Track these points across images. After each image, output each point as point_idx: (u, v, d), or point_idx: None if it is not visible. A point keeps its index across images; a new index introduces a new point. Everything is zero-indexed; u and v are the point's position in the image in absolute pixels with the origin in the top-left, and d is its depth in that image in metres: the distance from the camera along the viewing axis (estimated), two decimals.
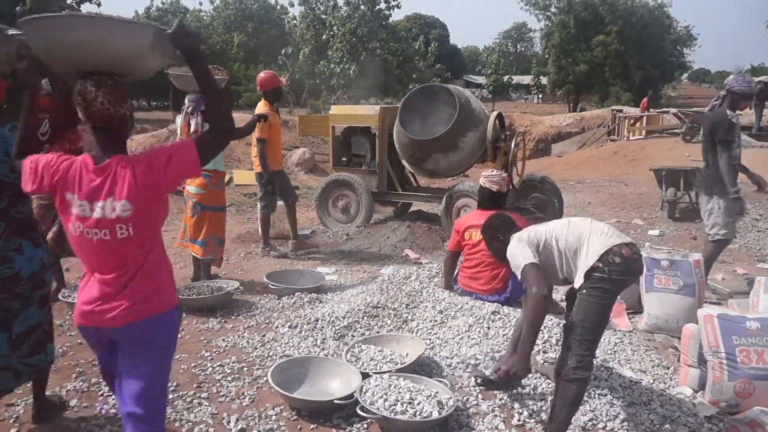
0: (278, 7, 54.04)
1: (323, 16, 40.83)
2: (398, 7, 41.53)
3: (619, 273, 2.79)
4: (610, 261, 2.78)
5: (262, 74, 6.25)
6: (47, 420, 3.15)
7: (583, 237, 2.91)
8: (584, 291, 2.83)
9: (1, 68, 2.66)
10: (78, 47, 2.05)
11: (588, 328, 2.82)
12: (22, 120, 2.32)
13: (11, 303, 2.78)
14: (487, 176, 4.66)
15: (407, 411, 3.00)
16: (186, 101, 5.09)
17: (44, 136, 2.40)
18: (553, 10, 45.08)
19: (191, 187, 5.15)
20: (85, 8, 29.18)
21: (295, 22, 44.12)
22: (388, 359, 3.61)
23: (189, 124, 5.04)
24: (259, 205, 6.47)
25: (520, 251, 2.92)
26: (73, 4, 27.49)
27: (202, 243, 5.18)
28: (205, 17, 56.49)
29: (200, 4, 71.94)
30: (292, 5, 45.08)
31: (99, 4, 28.58)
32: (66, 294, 4.75)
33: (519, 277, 2.92)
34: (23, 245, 2.79)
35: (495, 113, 7.27)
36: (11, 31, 2.46)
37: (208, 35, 51.43)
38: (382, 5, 40.24)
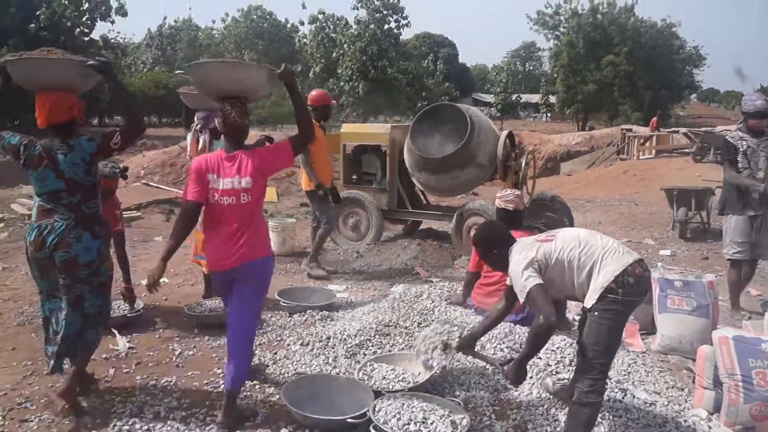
0: (289, 25, 54.64)
1: (333, 35, 41.25)
2: (408, 26, 41.98)
3: (631, 294, 2.78)
4: (625, 282, 2.76)
5: (313, 92, 6.27)
6: (83, 388, 3.62)
7: (596, 255, 2.86)
8: (596, 313, 2.81)
9: (80, 91, 3.42)
10: (225, 82, 3.31)
11: (600, 351, 2.82)
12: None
13: (79, 286, 3.32)
14: (500, 197, 4.68)
15: (421, 430, 2.99)
16: (195, 119, 5.13)
17: (116, 145, 3.28)
18: (562, 29, 45.38)
19: None
20: (100, 27, 29.65)
21: (305, 40, 44.63)
22: (400, 378, 3.61)
23: (198, 141, 5.08)
24: (321, 222, 6.32)
25: (525, 271, 2.87)
26: (88, 22, 27.96)
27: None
28: (216, 35, 57.20)
29: (212, 22, 72.87)
30: (302, 23, 45.50)
31: (113, 22, 29.09)
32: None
33: (522, 297, 2.87)
34: (83, 236, 3.28)
35: (505, 132, 7.31)
36: (89, 62, 3.24)
37: (219, 53, 52.04)
38: (392, 24, 40.66)
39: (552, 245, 2.95)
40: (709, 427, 3.29)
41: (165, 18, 59.07)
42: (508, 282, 3.12)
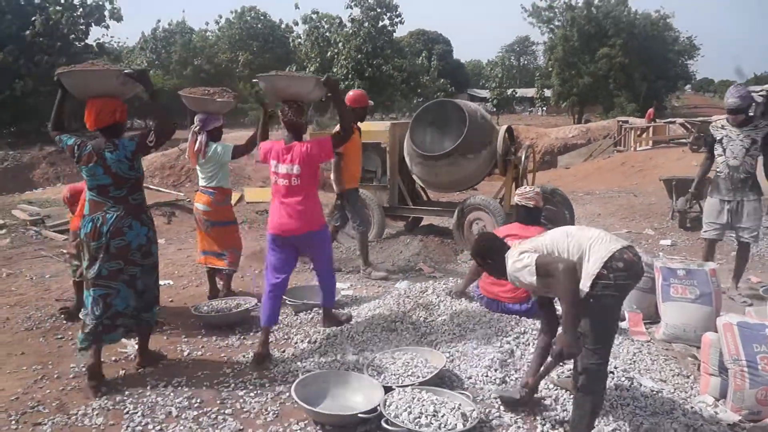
0: (283, 25, 54.52)
1: (327, 34, 41.19)
2: (402, 23, 41.91)
3: (623, 278, 2.83)
4: (614, 267, 2.81)
5: (351, 92, 6.21)
6: (150, 365, 4.10)
7: (584, 245, 2.92)
8: (591, 300, 2.85)
9: (123, 97, 3.88)
10: (286, 90, 4.27)
11: (598, 337, 2.86)
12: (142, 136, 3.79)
13: (131, 268, 3.81)
14: (521, 194, 4.72)
15: (432, 423, 3.02)
16: (195, 121, 5.21)
17: (151, 143, 3.78)
18: (556, 23, 45.39)
19: (198, 204, 5.26)
20: (94, 32, 29.56)
21: (299, 40, 44.56)
22: (409, 373, 3.64)
23: (195, 142, 5.16)
24: (354, 224, 6.27)
25: (524, 258, 2.96)
26: (83, 28, 27.88)
27: (221, 255, 5.27)
28: (210, 37, 57.02)
29: (206, 24, 72.75)
30: (296, 23, 45.45)
31: (108, 27, 29.01)
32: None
33: (533, 276, 2.91)
34: (133, 224, 3.77)
35: (504, 127, 7.33)
36: (127, 70, 3.71)
37: (213, 54, 51.91)
38: (386, 22, 40.62)
39: (541, 239, 3.06)
40: (716, 413, 3.32)
41: (159, 21, 58.72)
42: (512, 283, 3.20)
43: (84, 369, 3.84)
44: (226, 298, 5.16)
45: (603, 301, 2.83)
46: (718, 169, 5.28)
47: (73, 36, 28.25)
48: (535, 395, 3.44)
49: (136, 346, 4.28)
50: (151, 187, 11.50)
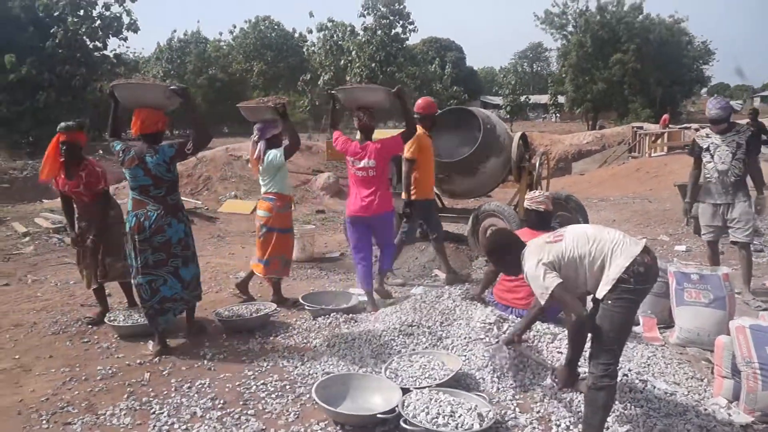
0: (296, 34, 54.96)
1: (341, 42, 41.48)
2: (415, 31, 42.12)
3: (642, 282, 2.91)
4: (636, 272, 2.88)
5: (420, 100, 6.33)
6: (197, 334, 4.77)
7: (606, 250, 2.97)
8: (609, 302, 2.93)
9: (166, 109, 4.42)
10: (362, 99, 5.21)
11: (613, 338, 2.94)
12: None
13: (174, 261, 4.39)
14: (531, 198, 4.80)
15: (449, 423, 3.11)
16: (254, 130, 5.48)
17: (188, 151, 4.30)
18: (569, 29, 45.37)
19: (259, 210, 5.47)
20: (112, 43, 30.02)
21: (313, 48, 44.90)
22: (426, 375, 3.72)
23: (255, 151, 5.45)
24: (430, 234, 6.32)
25: (543, 274, 2.97)
26: (101, 39, 28.32)
27: (265, 262, 5.42)
28: (224, 47, 57.61)
29: (220, 34, 73.47)
30: (310, 32, 45.77)
31: (126, 39, 29.46)
32: (111, 318, 4.95)
33: (543, 299, 2.99)
34: (172, 221, 4.33)
35: (519, 134, 7.41)
36: (172, 86, 4.28)
37: (228, 64, 52.44)
38: (399, 30, 40.84)
39: (562, 245, 3.06)
40: (729, 415, 3.37)
41: (174, 31, 59.50)
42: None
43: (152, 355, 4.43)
44: (247, 304, 5.28)
45: (621, 303, 2.91)
46: (707, 175, 5.52)
47: (91, 47, 28.75)
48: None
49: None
50: None
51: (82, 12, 27.67)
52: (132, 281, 4.53)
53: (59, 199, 5.24)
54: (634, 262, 2.89)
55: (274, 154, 5.34)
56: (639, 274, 2.88)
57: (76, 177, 4.79)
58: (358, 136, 5.33)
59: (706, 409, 3.44)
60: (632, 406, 3.42)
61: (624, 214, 10.93)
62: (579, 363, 3.33)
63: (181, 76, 51.02)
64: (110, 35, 29.19)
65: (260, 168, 5.42)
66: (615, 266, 2.92)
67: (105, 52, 29.83)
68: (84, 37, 27.88)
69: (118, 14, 29.05)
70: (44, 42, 25.81)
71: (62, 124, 4.79)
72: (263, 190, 5.47)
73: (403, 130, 5.23)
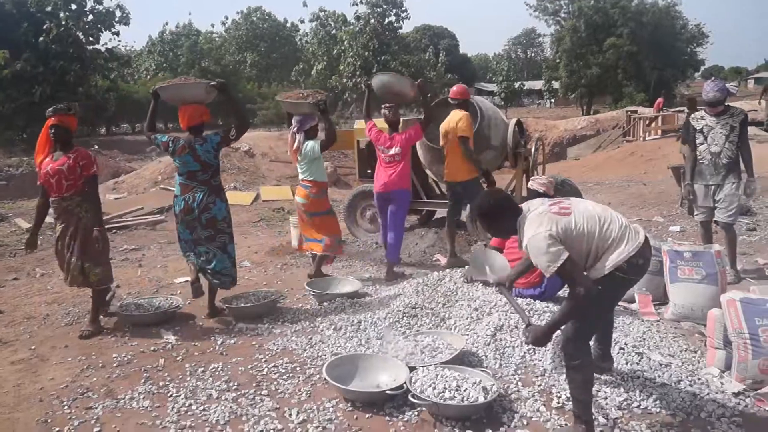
0: (289, 24, 54.85)
1: (334, 32, 41.45)
2: (408, 19, 42.12)
3: (635, 273, 2.97)
4: (634, 263, 2.92)
5: (455, 87, 6.59)
6: (216, 316, 5.15)
7: (615, 234, 2.92)
8: (599, 286, 2.90)
9: (207, 102, 4.94)
10: (393, 88, 6.16)
11: (590, 319, 3.01)
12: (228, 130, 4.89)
13: (221, 237, 4.90)
14: (535, 179, 4.94)
15: (455, 397, 3.26)
16: (293, 122, 5.81)
17: (232, 137, 4.84)
18: (563, 14, 45.34)
19: (298, 197, 5.93)
20: (104, 37, 30.03)
21: (306, 39, 44.89)
22: (431, 354, 3.87)
23: (294, 142, 5.81)
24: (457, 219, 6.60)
25: (550, 245, 2.83)
26: (93, 33, 28.25)
27: (320, 241, 5.82)
28: (217, 39, 57.40)
29: (212, 26, 73.09)
30: (302, 22, 45.78)
31: (118, 33, 29.42)
32: (124, 308, 5.09)
33: (548, 271, 2.85)
34: (216, 200, 4.86)
35: (514, 120, 7.54)
36: (212, 83, 4.87)
37: (221, 56, 52.29)
38: (392, 18, 40.83)
39: (571, 219, 2.93)
40: (722, 383, 3.54)
41: (166, 24, 59.41)
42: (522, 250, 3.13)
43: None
44: (254, 291, 5.43)
45: (609, 288, 2.94)
46: (700, 157, 5.61)
47: (84, 41, 28.69)
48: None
49: (173, 337, 4.59)
50: (170, 188, 11.79)
51: (74, 6, 27.58)
52: (181, 254, 5.15)
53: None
54: (637, 254, 2.90)
55: (311, 146, 5.69)
56: (637, 265, 2.92)
57: (63, 157, 4.65)
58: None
59: (699, 379, 3.60)
60: (629, 377, 3.59)
61: (619, 197, 11.09)
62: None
63: (174, 69, 50.87)
64: (102, 29, 29.16)
65: (298, 157, 5.77)
66: (618, 252, 2.89)
67: (97, 46, 29.79)
68: (77, 32, 27.84)
69: (110, 8, 29.04)
70: (37, 38, 25.75)
71: (51, 108, 4.77)
72: (300, 177, 5.87)
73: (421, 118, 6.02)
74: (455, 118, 6.14)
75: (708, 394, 3.41)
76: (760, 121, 18.72)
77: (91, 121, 32.23)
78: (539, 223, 2.91)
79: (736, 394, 3.42)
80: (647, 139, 19.12)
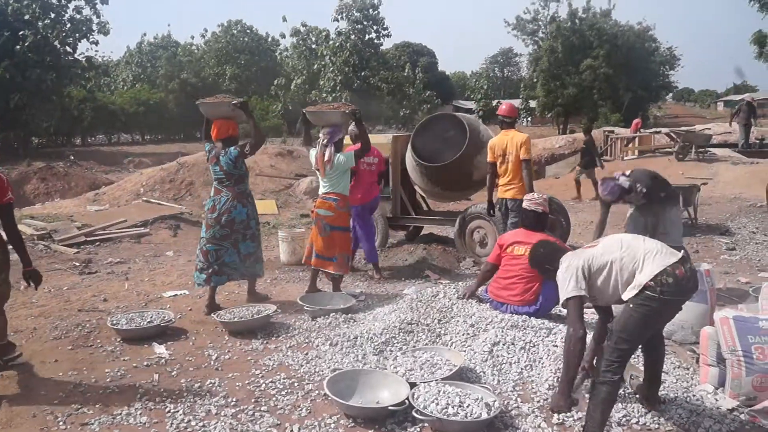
0: (269, 39, 54.87)
1: (314, 47, 41.60)
2: (388, 36, 42.46)
3: (670, 294, 2.99)
4: (663, 282, 2.97)
5: (504, 106, 6.62)
6: (258, 301, 5.75)
7: (638, 256, 3.07)
8: (631, 305, 3.04)
9: (235, 119, 5.62)
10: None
11: (623, 339, 3.07)
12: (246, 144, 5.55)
13: (235, 235, 5.51)
14: (529, 199, 5.02)
15: (458, 413, 3.29)
16: (321, 134, 5.81)
17: (247, 151, 5.52)
18: (540, 35, 46.12)
19: (321, 210, 5.80)
20: (82, 47, 29.77)
21: (287, 53, 44.93)
22: (431, 370, 3.89)
23: (324, 154, 5.75)
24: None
25: (569, 280, 3.13)
26: (70, 41, 27.98)
27: (333, 259, 5.79)
28: (196, 51, 57.23)
29: (192, 38, 72.68)
30: (283, 36, 45.80)
31: (96, 42, 29.19)
32: (114, 322, 5.03)
33: (562, 297, 3.19)
34: (237, 206, 5.48)
35: None
36: (234, 101, 5.51)
37: (200, 68, 52.10)
38: (373, 35, 41.12)
39: (593, 250, 3.19)
40: (716, 400, 3.62)
41: (144, 35, 58.98)
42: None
43: (205, 308, 5.52)
44: (249, 305, 5.41)
45: (640, 308, 3.00)
46: None
47: (62, 50, 28.40)
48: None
49: (166, 351, 4.55)
50: (152, 200, 11.69)
51: (53, 15, 27.32)
52: (200, 248, 5.55)
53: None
54: (663, 272, 2.97)
55: (344, 157, 5.73)
56: (666, 284, 2.97)
57: None
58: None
59: (694, 395, 3.68)
60: (626, 395, 3.65)
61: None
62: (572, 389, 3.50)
63: (152, 81, 50.56)
64: (80, 39, 28.91)
65: (327, 170, 5.73)
66: (644, 273, 3.01)
67: (75, 56, 29.50)
68: (54, 41, 27.56)
69: (88, 17, 28.80)
70: (15, 46, 25.44)
71: None
72: (325, 190, 5.84)
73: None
74: (518, 140, 6.18)
75: (704, 410, 3.49)
76: (734, 143, 19.17)
77: (65, 132, 31.99)
78: (568, 258, 3.28)
79: (731, 411, 3.50)
80: (625, 159, 19.45)
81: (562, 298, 3.12)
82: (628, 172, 5.20)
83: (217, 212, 5.43)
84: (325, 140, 5.75)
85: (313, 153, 5.92)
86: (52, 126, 31.00)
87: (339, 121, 5.85)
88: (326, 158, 5.73)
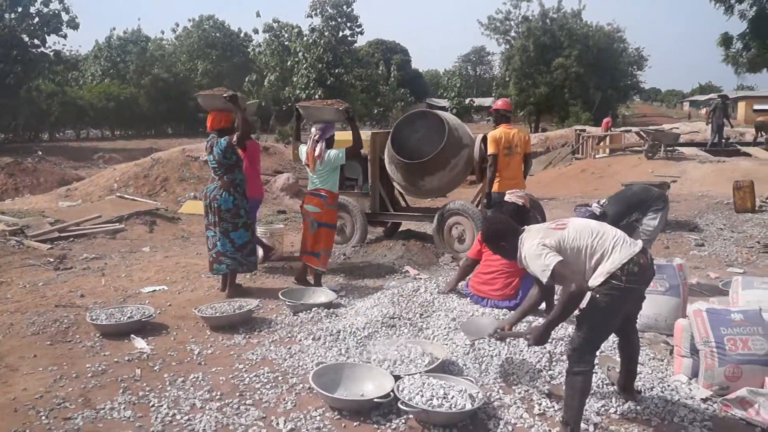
0: (242, 34, 54.35)
1: (287, 43, 41.34)
2: (362, 33, 42.43)
3: (634, 282, 3.10)
4: (629, 270, 3.07)
5: (500, 102, 6.87)
6: (241, 296, 5.73)
7: (607, 244, 3.15)
8: (597, 295, 3.12)
9: (229, 111, 5.78)
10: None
11: (592, 327, 3.17)
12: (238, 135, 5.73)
13: (225, 224, 5.71)
14: (512, 192, 5.12)
15: (443, 404, 3.35)
16: (312, 130, 5.88)
17: (234, 143, 5.64)
18: (512, 34, 46.57)
19: (309, 206, 5.88)
20: (51, 40, 29.13)
21: (259, 49, 44.54)
22: (415, 363, 3.95)
23: (315, 150, 5.82)
24: None
25: (544, 254, 3.10)
26: (39, 34, 27.43)
27: (317, 255, 5.89)
28: (167, 46, 56.39)
29: (162, 32, 71.60)
30: (256, 32, 45.39)
31: (65, 36, 28.65)
32: (94, 318, 4.98)
33: (544, 277, 3.12)
34: (223, 194, 5.69)
35: (480, 136, 7.74)
36: (225, 94, 5.62)
37: (172, 63, 51.35)
38: (347, 32, 41.03)
39: (564, 233, 3.21)
40: (690, 390, 3.74)
41: (113, 29, 57.87)
42: (521, 265, 3.38)
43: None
44: (231, 300, 5.40)
45: (607, 297, 3.09)
46: None
47: (29, 44, 27.81)
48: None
49: (148, 346, 4.53)
50: (126, 196, 11.55)
51: (20, 9, 26.72)
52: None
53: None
54: (630, 261, 3.07)
55: (335, 153, 5.78)
56: (632, 273, 3.07)
57: None
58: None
59: (669, 386, 3.80)
60: (604, 385, 3.76)
61: (573, 213, 11.43)
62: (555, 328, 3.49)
63: (122, 76, 49.69)
64: (49, 33, 28.34)
65: (317, 166, 5.78)
66: (611, 261, 3.09)
67: (43, 49, 28.90)
68: (21, 34, 26.97)
69: (56, 11, 28.23)
70: None
71: None
72: (314, 186, 5.91)
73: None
74: (525, 136, 6.57)
75: (678, 399, 3.62)
76: (702, 141, 19.66)
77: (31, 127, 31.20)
78: (534, 237, 3.19)
79: (705, 400, 3.63)
80: (596, 157, 19.79)
81: (548, 267, 3.06)
82: (603, 201, 5.92)
83: (208, 199, 5.74)
84: (317, 136, 5.82)
85: (303, 149, 5.98)
86: (19, 121, 30.37)
87: (332, 118, 5.93)
88: (317, 154, 5.80)
